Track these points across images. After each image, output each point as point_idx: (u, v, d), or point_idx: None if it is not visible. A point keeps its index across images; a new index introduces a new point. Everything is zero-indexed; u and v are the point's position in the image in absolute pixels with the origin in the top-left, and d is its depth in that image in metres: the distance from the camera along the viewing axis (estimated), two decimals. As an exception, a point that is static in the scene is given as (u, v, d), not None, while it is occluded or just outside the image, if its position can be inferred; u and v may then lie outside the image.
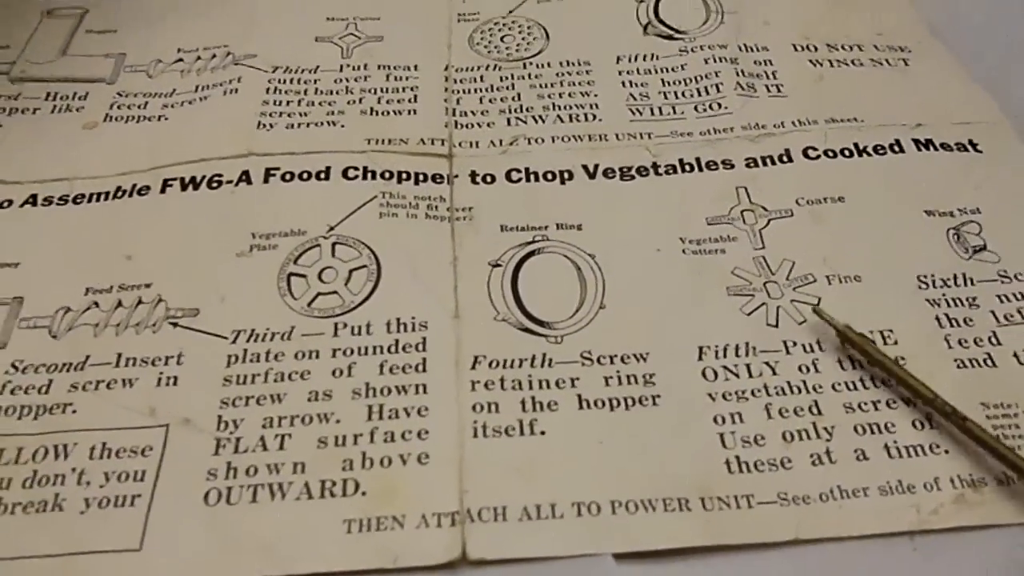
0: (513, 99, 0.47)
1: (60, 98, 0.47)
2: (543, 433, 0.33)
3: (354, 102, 0.46)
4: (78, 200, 0.42)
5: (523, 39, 0.51)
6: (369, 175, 0.42)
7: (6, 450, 0.33)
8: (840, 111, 0.46)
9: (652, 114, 0.46)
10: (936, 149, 0.44)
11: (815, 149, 0.44)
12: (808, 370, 0.35)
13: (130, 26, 0.52)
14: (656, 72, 0.49)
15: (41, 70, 0.49)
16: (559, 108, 0.46)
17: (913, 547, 0.31)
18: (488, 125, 0.45)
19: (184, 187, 0.42)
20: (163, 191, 0.42)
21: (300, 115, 0.45)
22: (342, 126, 0.45)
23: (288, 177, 0.42)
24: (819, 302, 0.37)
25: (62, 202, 0.41)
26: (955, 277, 0.38)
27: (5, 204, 0.41)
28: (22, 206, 0.41)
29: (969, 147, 0.43)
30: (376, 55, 0.49)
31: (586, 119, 0.46)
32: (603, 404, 0.34)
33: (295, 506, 0.32)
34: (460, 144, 0.44)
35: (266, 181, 0.42)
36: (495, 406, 0.34)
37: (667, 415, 0.34)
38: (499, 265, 0.39)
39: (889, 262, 0.39)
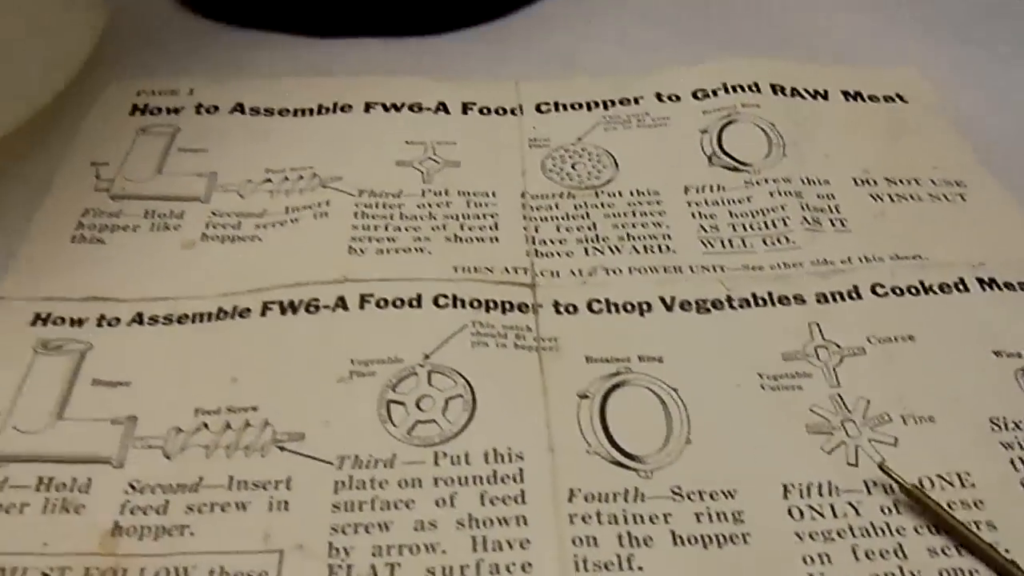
0: (589, 228, 0.49)
1: (158, 216, 0.49)
2: (641, 569, 0.35)
3: (439, 228, 0.48)
4: (182, 320, 0.44)
5: (593, 167, 0.53)
6: (459, 303, 0.44)
7: (129, 570, 0.34)
8: (904, 247, 0.48)
9: (723, 246, 0.48)
10: (1000, 288, 0.45)
11: (882, 286, 0.46)
12: (890, 511, 0.37)
13: (219, 145, 0.54)
14: (724, 204, 0.51)
15: (139, 188, 0.51)
16: (633, 239, 0.49)
17: None
18: (567, 254, 0.47)
19: (283, 311, 0.44)
20: (263, 314, 0.43)
21: (388, 240, 0.47)
22: (429, 252, 0.47)
23: (382, 304, 0.44)
24: (896, 442, 0.39)
25: (167, 321, 0.43)
26: (1026, 420, 0.40)
27: (113, 322, 0.43)
28: (129, 324, 0.43)
29: (1030, 286, 0.45)
30: (455, 180, 0.52)
31: (659, 250, 0.48)
32: (696, 541, 0.36)
33: (408, 636, 0.33)
34: (542, 273, 0.46)
35: (362, 307, 0.44)
36: (593, 540, 0.36)
37: (758, 554, 0.36)
38: (587, 397, 0.41)
39: (961, 403, 0.40)
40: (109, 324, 0.43)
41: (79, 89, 0.54)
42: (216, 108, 0.56)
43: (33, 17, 0.45)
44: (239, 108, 0.56)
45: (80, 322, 0.43)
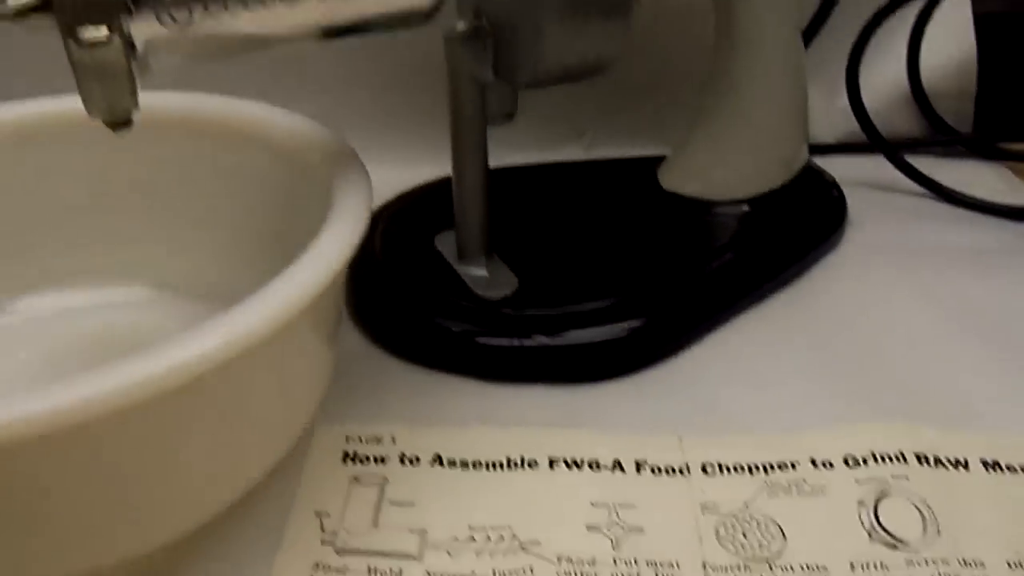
0: (770, 605, 0.54)
1: (380, 573, 0.55)
2: None
3: (634, 601, 0.53)
4: None
5: (763, 536, 0.58)
6: None
7: None
8: (1064, 642, 0.52)
9: (895, 632, 0.52)
10: None
11: None
12: None
13: (425, 498, 0.60)
14: (890, 584, 0.55)
15: (359, 542, 0.56)
16: (812, 620, 0.53)
17: None
18: (754, 635, 0.52)
19: None
20: None
21: (593, 620, 0.52)
22: (631, 630, 0.52)
23: None
24: None
25: None
26: None
27: None
28: None
29: None
30: (641, 548, 0.57)
31: (839, 635, 0.52)
32: None
33: None
34: (734, 653, 0.51)
35: None
36: None
37: None
38: None
39: None
40: None
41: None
42: (418, 459, 0.62)
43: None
44: (438, 459, 0.62)
45: None
